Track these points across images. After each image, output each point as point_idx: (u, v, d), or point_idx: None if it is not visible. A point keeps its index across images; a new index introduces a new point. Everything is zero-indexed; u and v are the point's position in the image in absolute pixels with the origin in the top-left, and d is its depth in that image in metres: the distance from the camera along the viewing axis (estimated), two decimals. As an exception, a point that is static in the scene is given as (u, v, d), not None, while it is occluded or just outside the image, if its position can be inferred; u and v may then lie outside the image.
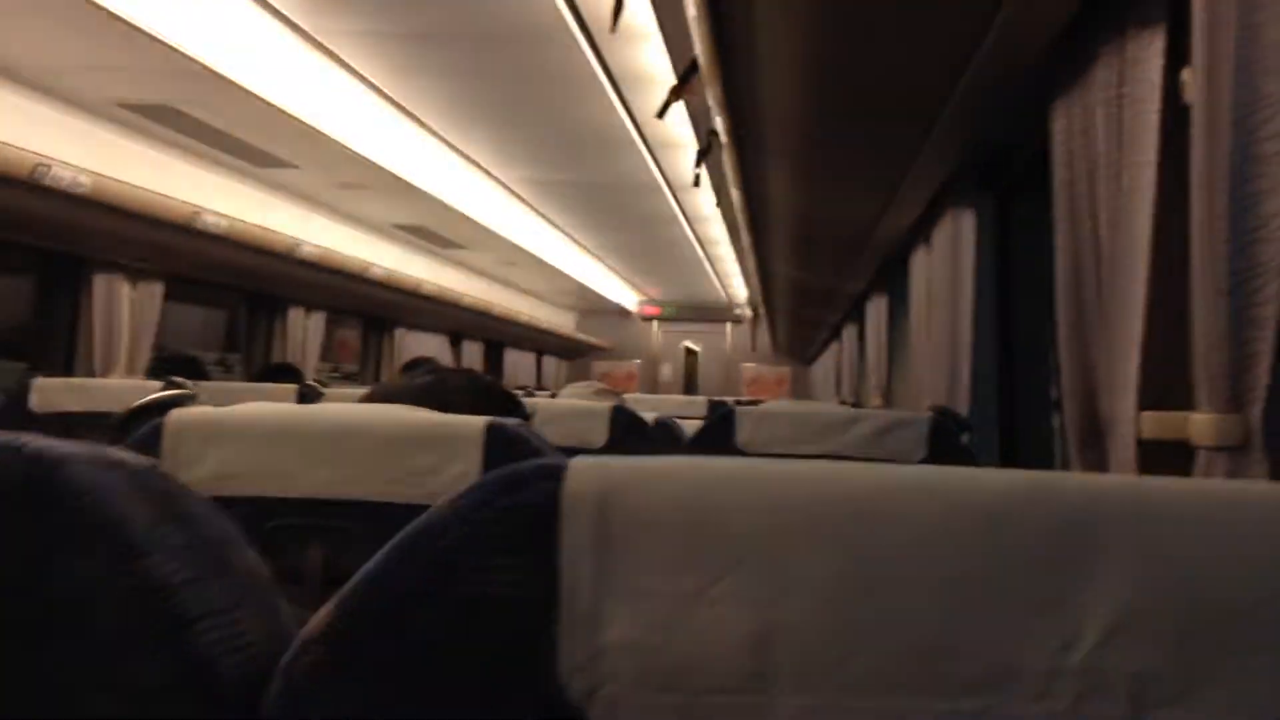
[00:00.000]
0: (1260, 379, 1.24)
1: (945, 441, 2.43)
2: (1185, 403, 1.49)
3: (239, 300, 7.30)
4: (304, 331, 7.32)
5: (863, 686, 0.53)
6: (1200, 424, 1.33)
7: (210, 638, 0.61)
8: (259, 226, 5.67)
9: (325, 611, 0.58)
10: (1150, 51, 1.54)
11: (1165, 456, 1.50)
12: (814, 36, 2.01)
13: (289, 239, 5.94)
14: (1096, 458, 1.78)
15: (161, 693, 0.60)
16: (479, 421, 1.48)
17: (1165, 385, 1.52)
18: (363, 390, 5.03)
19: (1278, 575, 0.52)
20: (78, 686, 0.60)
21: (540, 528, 0.56)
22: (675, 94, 3.02)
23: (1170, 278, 1.51)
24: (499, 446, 1.44)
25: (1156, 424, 1.49)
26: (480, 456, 1.45)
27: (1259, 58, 1.22)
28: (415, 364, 6.16)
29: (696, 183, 4.32)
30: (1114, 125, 1.65)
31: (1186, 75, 1.46)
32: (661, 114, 3.28)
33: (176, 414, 1.54)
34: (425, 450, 1.47)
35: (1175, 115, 1.50)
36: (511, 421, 1.51)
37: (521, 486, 0.57)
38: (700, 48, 2.31)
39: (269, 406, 1.65)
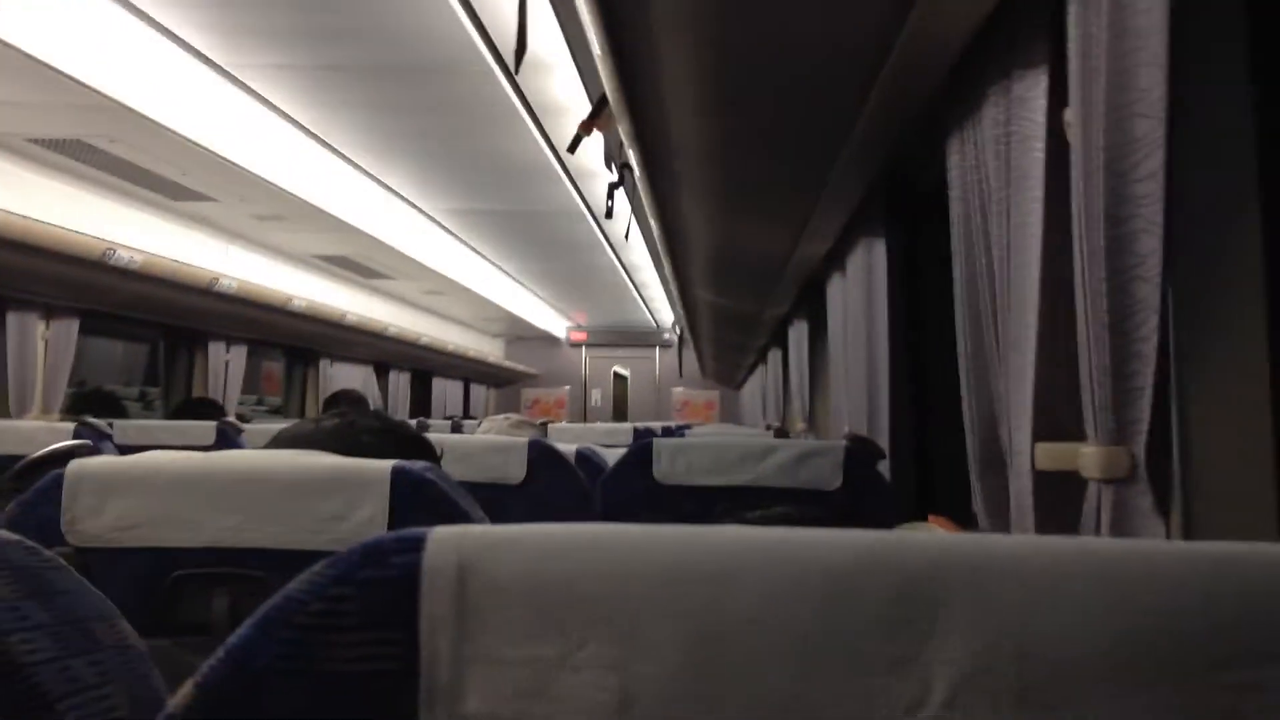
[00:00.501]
0: (1144, 412, 1.28)
1: (860, 470, 2.46)
2: (1076, 434, 1.53)
3: (159, 334, 7.20)
4: (225, 365, 7.23)
5: None
6: (1088, 456, 1.36)
7: (74, 716, 0.61)
8: (175, 261, 5.60)
9: (186, 688, 0.58)
10: (1035, 91, 1.58)
11: (1060, 487, 1.53)
12: (717, 70, 2.04)
13: (208, 273, 5.88)
14: (998, 486, 1.81)
15: None
16: (385, 465, 1.48)
17: (1058, 417, 1.56)
18: (288, 423, 4.99)
19: (1107, 630, 0.54)
20: None
21: (400, 600, 0.57)
22: (586, 128, 3.04)
23: (1060, 311, 1.54)
24: (405, 490, 1.44)
25: (1049, 455, 1.52)
26: (387, 501, 1.44)
27: (1130, 101, 1.25)
28: (338, 398, 6.12)
29: (609, 215, 4.34)
30: (1003, 162, 1.68)
31: (1068, 115, 1.49)
32: (573, 148, 3.30)
33: (76, 465, 1.53)
34: (331, 496, 1.47)
35: (1061, 154, 1.54)
36: (418, 465, 1.51)
37: (381, 559, 0.58)
38: (607, 83, 2.33)
39: (172, 455, 1.63)
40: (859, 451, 2.65)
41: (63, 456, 1.85)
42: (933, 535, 0.58)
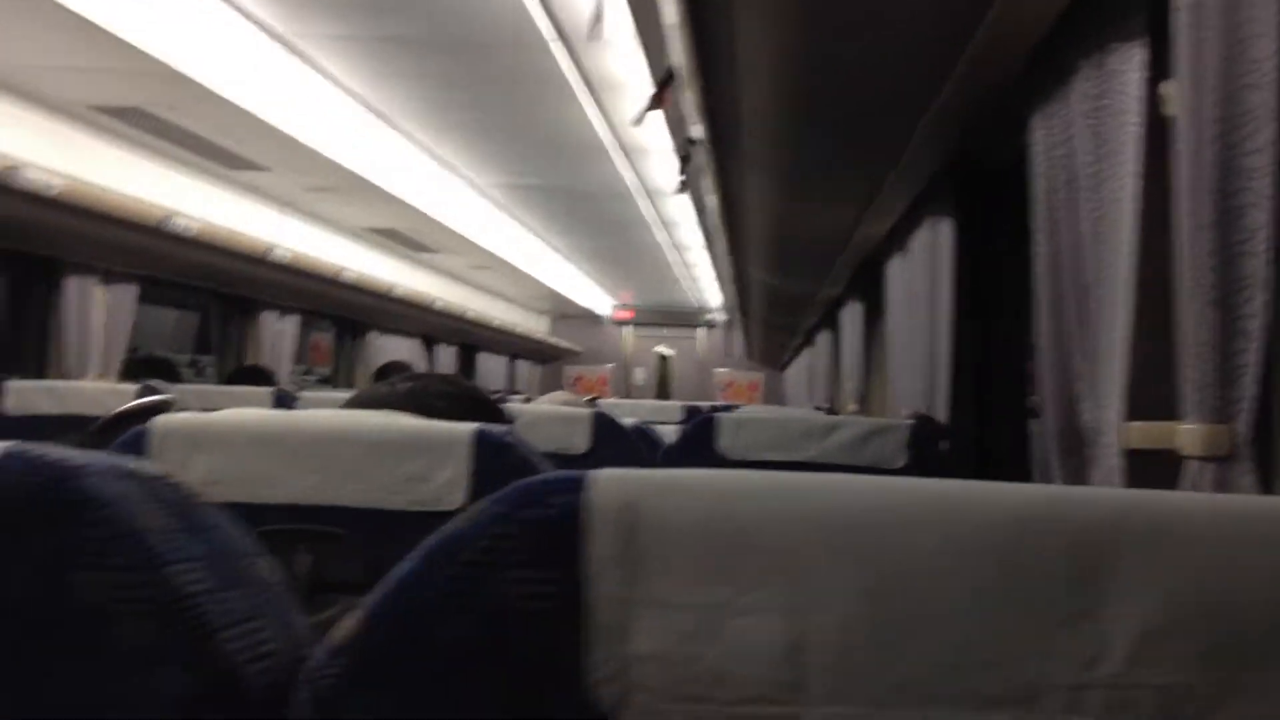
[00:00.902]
0: (1247, 390, 1.26)
1: (925, 449, 2.45)
2: (1171, 413, 1.51)
3: (212, 302, 7.26)
4: (277, 334, 7.28)
5: (894, 698, 0.54)
6: (1188, 434, 1.35)
7: (233, 647, 0.62)
8: (231, 230, 5.64)
9: (352, 620, 0.58)
10: (1131, 64, 1.55)
11: (1150, 466, 1.51)
12: (795, 43, 2.02)
13: (262, 242, 5.91)
14: (1077, 467, 1.80)
15: (186, 705, 0.60)
16: (467, 428, 1.48)
17: (1150, 395, 1.54)
18: (338, 394, 5.01)
19: None
20: (100, 702, 0.60)
21: (563, 540, 0.57)
22: (655, 101, 3.03)
23: (1155, 288, 1.52)
24: (487, 453, 1.44)
25: (1143, 434, 1.50)
26: (469, 463, 1.45)
27: (1243, 71, 1.23)
28: (389, 369, 6.14)
29: (683, 189, 4.32)
30: (1094, 137, 1.66)
31: (1166, 88, 1.47)
32: (638, 121, 3.29)
33: (162, 420, 1.54)
34: (413, 457, 1.47)
35: (1156, 128, 1.52)
36: (499, 429, 1.51)
37: (542, 499, 0.58)
38: (679, 53, 2.32)
39: (253, 412, 1.65)
40: (924, 431, 2.63)
41: (144, 413, 1.86)
42: (1108, 490, 0.58)
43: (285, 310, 7.32)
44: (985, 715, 0.53)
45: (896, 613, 0.54)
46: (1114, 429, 1.56)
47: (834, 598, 0.55)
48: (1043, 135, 1.90)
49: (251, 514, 1.49)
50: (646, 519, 0.56)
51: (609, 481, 0.58)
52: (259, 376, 5.60)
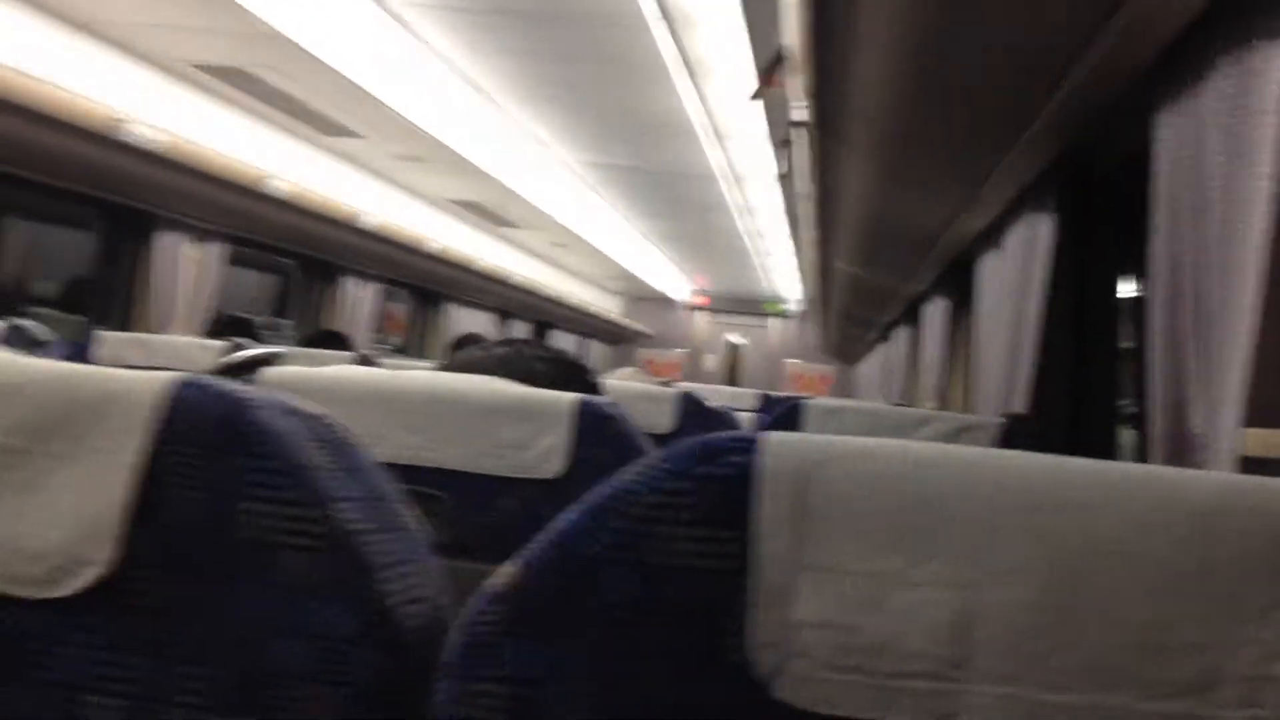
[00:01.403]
0: (1381, 401, 1.22)
1: (1016, 448, 2.40)
2: (1292, 421, 1.47)
3: (291, 266, 7.33)
4: (356, 301, 7.34)
5: (1063, 682, 0.52)
6: (1312, 443, 1.31)
7: (392, 587, 0.61)
8: (321, 194, 5.70)
9: (510, 569, 0.58)
10: (1273, 64, 1.51)
11: (1269, 475, 1.47)
12: (918, 24, 1.99)
13: (350, 208, 5.97)
14: (1184, 472, 1.75)
15: (348, 640, 0.60)
16: (570, 397, 1.48)
17: (1273, 402, 1.50)
18: (418, 363, 5.04)
19: None
20: (265, 630, 0.60)
21: (734, 500, 0.56)
22: (766, 82, 3.01)
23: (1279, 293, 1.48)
24: (589, 423, 1.44)
25: (1263, 441, 1.46)
26: (570, 432, 1.44)
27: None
28: (466, 340, 6.18)
29: (784, 175, 4.30)
30: (1229, 137, 1.62)
31: (1312, 88, 1.43)
32: (755, 97, 3.26)
33: (271, 372, 1.55)
34: (515, 423, 1.47)
35: (1297, 129, 1.47)
36: (601, 400, 1.51)
37: (716, 457, 0.57)
38: (797, 30, 2.30)
39: (359, 370, 1.66)
40: (1017, 430, 2.59)
41: (251, 364, 1.89)
42: (1304, 481, 0.55)
43: (366, 277, 7.38)
44: (1158, 704, 0.52)
45: (1073, 595, 0.53)
46: (1229, 435, 1.52)
47: (1010, 575, 0.53)
48: (1170, 133, 1.85)
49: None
50: (819, 483, 0.55)
51: (782, 444, 0.57)
52: (336, 341, 5.65)
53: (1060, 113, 2.22)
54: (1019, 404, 3.00)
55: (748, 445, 0.57)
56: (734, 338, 15.71)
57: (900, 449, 0.56)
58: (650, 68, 5.00)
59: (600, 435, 1.45)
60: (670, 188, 8.07)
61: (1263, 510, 0.53)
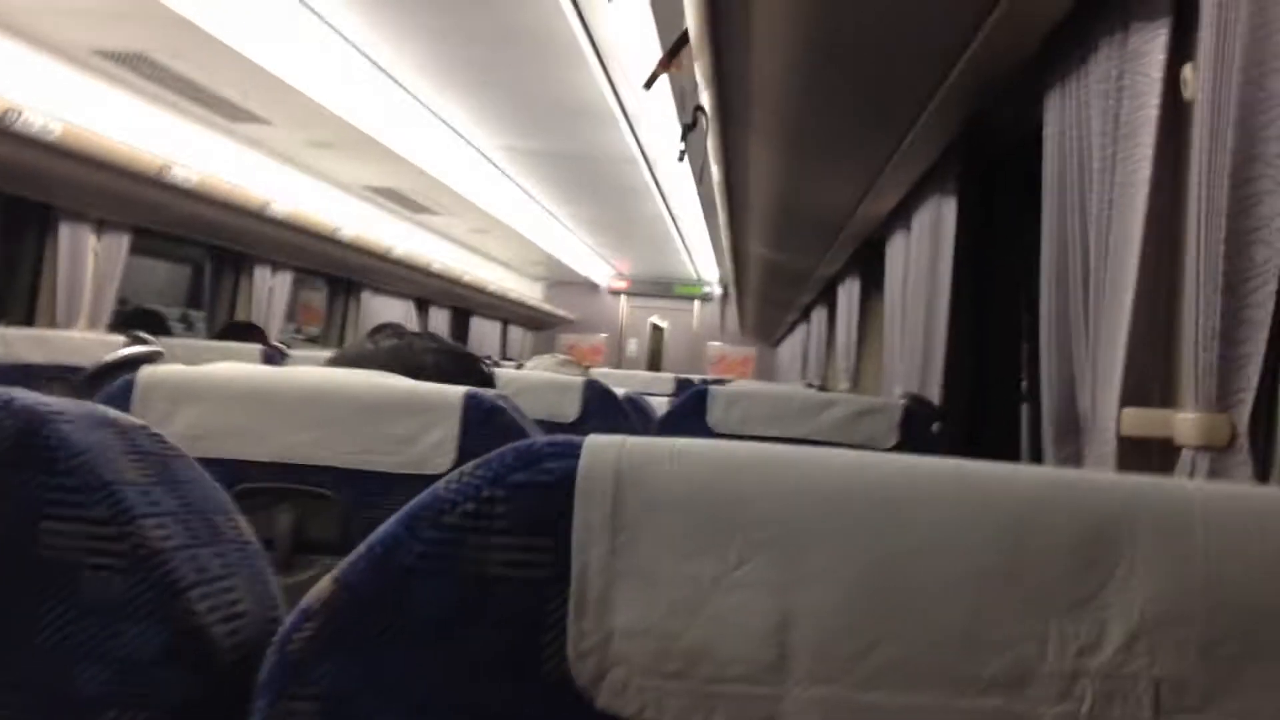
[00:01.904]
0: (1250, 380, 1.24)
1: (916, 430, 2.43)
2: (1168, 400, 1.49)
3: (205, 256, 7.20)
4: (269, 292, 7.23)
5: (881, 681, 0.52)
6: (1185, 423, 1.33)
7: (203, 605, 0.59)
8: (229, 183, 5.59)
9: (326, 583, 0.56)
10: (1153, 46, 1.52)
11: (1145, 454, 1.49)
12: (811, 10, 1.99)
13: (260, 196, 5.87)
14: (1071, 452, 1.78)
15: (153, 662, 0.58)
16: (458, 391, 1.46)
17: (1148, 382, 1.52)
18: (328, 354, 4.98)
19: None
20: (71, 654, 0.58)
21: (554, 506, 0.54)
22: (664, 66, 2.99)
23: (1161, 273, 1.50)
24: (478, 417, 1.42)
25: (1138, 421, 1.48)
26: (458, 426, 1.43)
27: (1267, 57, 1.20)
28: (382, 330, 6.10)
29: (682, 158, 4.28)
30: (1110, 118, 1.64)
31: (1187, 71, 1.45)
32: (649, 85, 3.25)
33: (148, 371, 1.51)
34: (402, 418, 1.45)
35: (1174, 111, 1.49)
36: (489, 392, 1.49)
37: (536, 462, 0.55)
38: (692, 18, 2.29)
39: (242, 367, 1.62)
40: (917, 411, 2.61)
41: (131, 363, 1.84)
42: (1117, 476, 0.55)
43: (279, 267, 7.27)
44: (974, 701, 0.51)
45: (888, 593, 0.52)
46: (1111, 415, 1.53)
47: (826, 575, 0.52)
48: (1056, 115, 1.87)
49: (235, 470, 1.47)
50: (638, 487, 0.54)
51: (603, 448, 0.55)
52: (249, 333, 5.56)
53: (955, 93, 2.23)
54: (929, 385, 3.03)
55: (566, 450, 0.55)
56: (657, 321, 15.72)
57: (720, 449, 0.55)
58: (562, 50, 4.96)
59: (490, 428, 1.43)
60: (589, 172, 8.03)
61: (1073, 505, 0.53)
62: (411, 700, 0.54)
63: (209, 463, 1.48)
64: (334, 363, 1.74)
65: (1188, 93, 1.43)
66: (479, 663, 0.54)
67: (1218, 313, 1.26)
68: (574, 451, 0.55)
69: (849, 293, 5.26)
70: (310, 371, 1.58)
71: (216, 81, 4.86)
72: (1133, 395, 1.52)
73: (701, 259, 12.87)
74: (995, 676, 0.52)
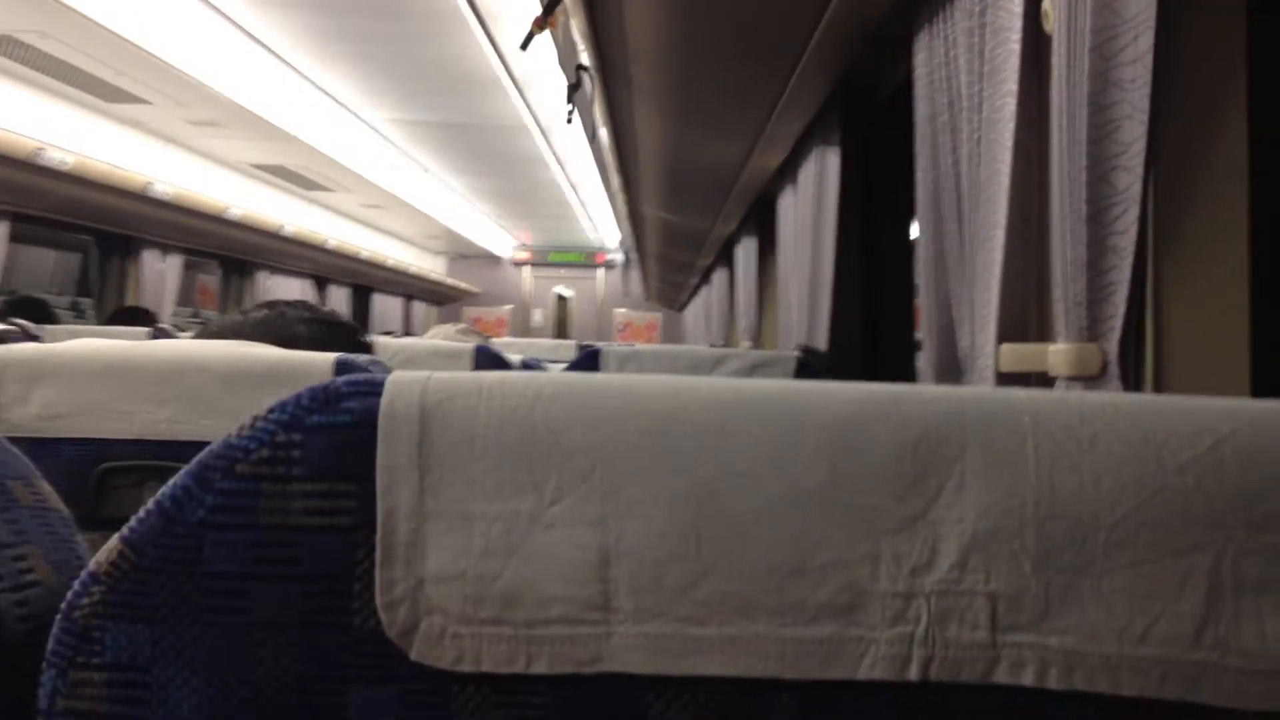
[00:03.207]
0: (1118, 307, 1.24)
1: (812, 380, 2.42)
2: (1044, 335, 1.49)
3: (91, 242, 7.01)
4: (160, 275, 7.06)
5: (708, 613, 0.49)
6: (1057, 355, 1.33)
7: None
8: (109, 164, 5.43)
9: (111, 544, 0.52)
10: (1015, -19, 1.52)
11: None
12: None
13: (141, 177, 5.71)
14: (956, 392, 1.78)
15: None
16: (327, 358, 1.41)
17: (1024, 318, 1.52)
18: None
19: (1138, 490, 0.49)
20: None
21: (356, 448, 0.51)
22: (539, 25, 2.94)
23: (1031, 209, 1.50)
24: (349, 383, 1.37)
25: (1015, 356, 1.48)
26: (329, 394, 1.37)
27: (1120, -19, 1.20)
28: (274, 306, 5.98)
29: (570, 120, 4.23)
30: (976, 56, 1.63)
31: (1047, 3, 1.44)
32: (525, 46, 3.20)
33: (3, 350, 1.45)
34: (270, 388, 1.40)
35: (1037, 45, 1.49)
36: (362, 357, 1.45)
37: (335, 403, 0.52)
38: (564, -26, 2.25)
39: (102, 343, 1.56)
40: (811, 362, 2.62)
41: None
42: (947, 388, 0.53)
43: (168, 249, 7.09)
44: (805, 628, 0.49)
45: (714, 522, 0.50)
46: (989, 352, 1.54)
47: (647, 507, 0.50)
48: (925, 56, 1.86)
49: (98, 449, 1.42)
50: (446, 424, 0.51)
51: (407, 385, 0.52)
52: (139, 318, 5.43)
53: (831, 39, 2.22)
54: (818, 338, 3.03)
55: (367, 388, 0.52)
56: (562, 290, 15.66)
57: (530, 380, 0.52)
58: (442, 16, 4.87)
59: (360, 395, 1.37)
60: (482, 141, 7.93)
61: (898, 418, 0.51)
62: (209, 666, 0.50)
63: (70, 442, 1.43)
64: (203, 335, 1.69)
65: (1048, 25, 1.43)
66: (281, 622, 0.51)
67: (1084, 242, 1.26)
68: (375, 389, 0.52)
69: (746, 251, 5.26)
70: (173, 344, 1.52)
71: (88, 61, 4.71)
72: (1009, 331, 1.52)
73: (603, 225, 12.83)
74: (826, 601, 0.49)
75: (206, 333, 1.66)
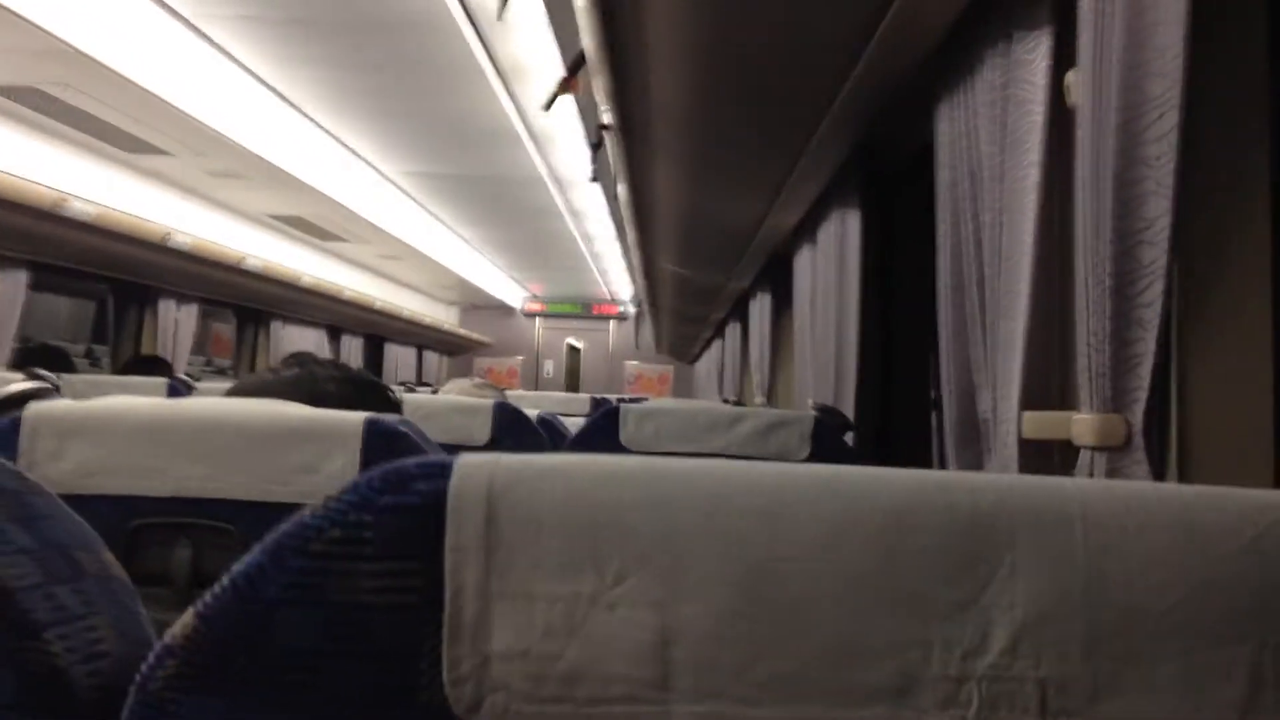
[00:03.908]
0: (1143, 379, 1.25)
1: (828, 440, 2.44)
2: (1066, 403, 1.51)
3: (107, 290, 7.06)
4: (175, 324, 7.10)
5: (764, 694, 0.51)
6: (1082, 424, 1.34)
7: (60, 646, 0.57)
8: (129, 214, 5.49)
9: (186, 618, 0.54)
10: (1036, 54, 1.55)
11: (1046, 456, 1.51)
12: (703, 29, 2.00)
13: (160, 227, 5.76)
14: (974, 457, 1.79)
15: (6, 707, 0.55)
16: (357, 417, 1.43)
17: (1047, 385, 1.54)
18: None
19: (1184, 581, 0.51)
20: None
21: (424, 529, 0.53)
22: (563, 87, 2.98)
23: (1054, 278, 1.52)
24: (379, 443, 1.39)
25: (1038, 424, 1.50)
26: (359, 453, 1.40)
27: (1145, 60, 1.22)
28: (294, 359, 6.01)
29: (595, 177, 4.28)
30: (998, 126, 1.66)
31: (1071, 77, 1.47)
32: (548, 107, 3.24)
33: (35, 407, 1.47)
34: (300, 446, 1.42)
35: (1060, 118, 1.51)
36: (391, 417, 1.47)
37: (405, 485, 0.53)
38: (588, 38, 2.28)
39: (135, 400, 1.58)
40: (827, 422, 2.63)
41: (20, 400, 1.78)
42: (995, 475, 0.55)
43: (184, 299, 7.14)
44: (859, 711, 0.51)
45: (770, 604, 0.51)
46: (1012, 419, 1.55)
47: (705, 588, 0.51)
48: (947, 125, 1.89)
49: (130, 506, 1.43)
50: (511, 505, 0.53)
51: (474, 467, 0.54)
52: (155, 366, 5.45)
53: (851, 105, 2.25)
54: (842, 396, 3.05)
55: (437, 470, 0.54)
56: (573, 341, 15.70)
57: (595, 463, 0.54)
58: (463, 73, 4.94)
59: (392, 454, 1.39)
60: (498, 194, 8.01)
61: (949, 504, 0.52)
62: None
63: (102, 499, 1.45)
64: (234, 393, 1.71)
65: (1071, 99, 1.45)
66: (351, 697, 0.52)
67: (1108, 314, 1.28)
68: (444, 472, 0.53)
69: (761, 307, 5.28)
70: (206, 402, 1.54)
71: (111, 113, 4.77)
72: (1032, 398, 1.54)
73: (613, 278, 12.88)
74: (880, 684, 0.51)
75: (240, 390, 1.68)
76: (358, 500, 0.53)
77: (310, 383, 1.69)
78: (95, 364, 8.00)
